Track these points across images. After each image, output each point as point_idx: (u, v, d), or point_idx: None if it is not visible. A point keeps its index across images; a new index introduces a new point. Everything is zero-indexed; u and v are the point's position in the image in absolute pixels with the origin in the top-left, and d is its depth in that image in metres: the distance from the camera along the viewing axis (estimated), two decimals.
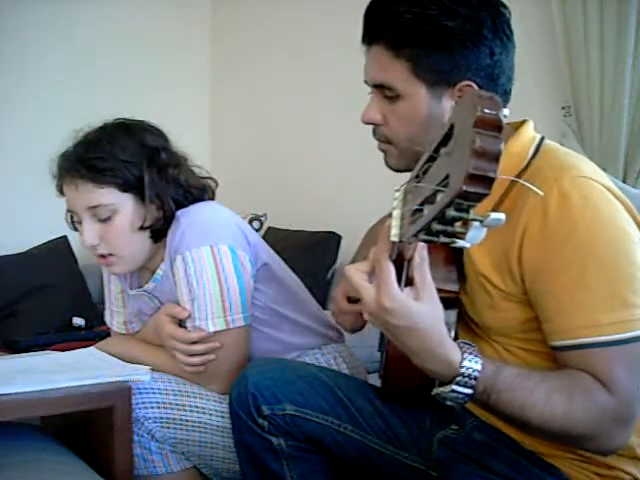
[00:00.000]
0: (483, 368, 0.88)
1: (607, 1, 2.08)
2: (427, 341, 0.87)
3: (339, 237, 2.88)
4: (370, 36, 1.08)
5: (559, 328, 0.95)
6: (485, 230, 0.69)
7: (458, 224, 0.70)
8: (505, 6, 1.06)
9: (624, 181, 2.10)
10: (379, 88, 1.09)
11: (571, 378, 0.92)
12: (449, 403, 0.91)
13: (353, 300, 1.24)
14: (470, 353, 0.89)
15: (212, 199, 1.47)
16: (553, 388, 0.91)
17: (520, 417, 0.92)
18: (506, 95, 1.08)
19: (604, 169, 1.02)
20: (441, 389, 0.90)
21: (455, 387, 0.88)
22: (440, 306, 0.88)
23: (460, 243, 0.71)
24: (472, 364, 0.88)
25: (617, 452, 0.96)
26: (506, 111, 0.66)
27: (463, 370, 0.88)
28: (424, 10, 1.01)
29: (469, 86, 1.03)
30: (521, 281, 0.98)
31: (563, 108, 2.27)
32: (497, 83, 1.05)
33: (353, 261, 1.30)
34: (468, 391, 0.89)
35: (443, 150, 0.72)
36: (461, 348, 0.89)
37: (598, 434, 0.92)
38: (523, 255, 0.97)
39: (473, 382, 0.88)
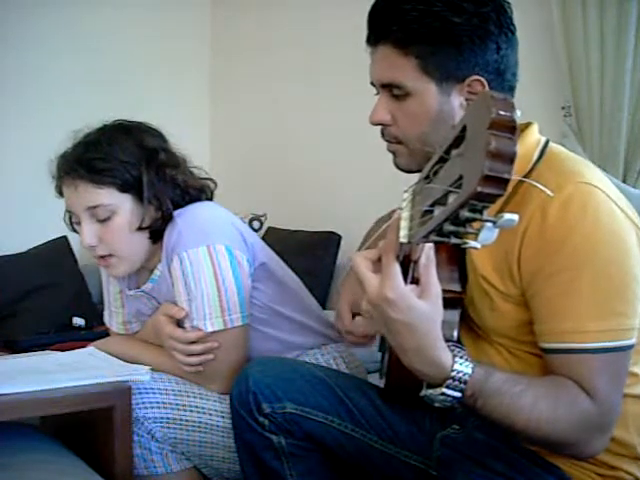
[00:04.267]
0: (473, 372, 0.89)
1: (607, 1, 2.08)
2: (421, 340, 0.86)
3: (339, 237, 2.88)
4: (376, 36, 1.08)
5: (548, 330, 0.95)
6: (497, 231, 0.69)
7: (469, 225, 0.70)
8: (508, 2, 1.07)
9: (624, 181, 2.10)
10: (387, 87, 1.08)
11: (557, 385, 0.93)
12: (437, 405, 0.91)
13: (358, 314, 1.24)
14: (461, 357, 0.89)
15: (210, 200, 1.47)
16: (539, 395, 0.91)
17: (505, 422, 0.92)
18: (511, 91, 1.08)
19: (604, 169, 1.02)
20: (430, 391, 0.90)
21: (445, 390, 0.88)
22: (441, 309, 0.87)
23: (471, 244, 0.71)
24: (463, 368, 0.88)
25: (593, 457, 0.97)
26: (518, 112, 0.66)
27: (454, 374, 0.88)
28: (430, 7, 1.02)
29: (477, 81, 1.04)
30: (520, 282, 0.98)
31: (563, 108, 2.26)
32: (504, 78, 1.06)
33: None
34: (457, 394, 0.89)
35: (455, 151, 0.72)
36: (452, 351, 0.89)
37: (578, 441, 0.93)
38: (522, 257, 0.97)
39: (463, 386, 0.88)
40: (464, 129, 0.70)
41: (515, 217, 0.67)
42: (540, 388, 0.92)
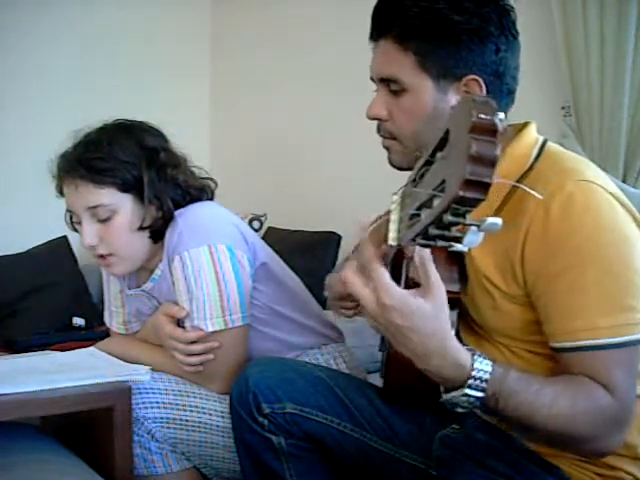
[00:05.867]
0: (493, 370, 0.87)
1: (607, 1, 2.08)
2: (429, 341, 0.85)
3: (339, 237, 2.88)
4: (378, 31, 1.09)
5: (558, 330, 0.95)
6: (482, 235, 0.69)
7: (455, 228, 0.70)
8: (512, 6, 1.07)
9: (624, 181, 2.10)
10: (385, 82, 1.09)
11: (574, 382, 0.93)
12: (459, 410, 0.89)
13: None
14: (479, 355, 0.87)
15: (211, 199, 1.47)
16: (557, 392, 0.91)
17: (526, 421, 0.91)
18: (510, 95, 1.08)
19: (604, 169, 1.02)
20: (453, 394, 0.88)
21: (467, 391, 0.86)
22: (445, 306, 0.85)
23: (458, 247, 0.71)
24: (483, 366, 0.86)
25: (611, 454, 0.96)
26: (501, 115, 0.66)
27: (475, 373, 0.86)
28: (432, 4, 1.02)
29: (475, 81, 1.03)
30: (523, 283, 0.98)
31: (563, 108, 2.26)
32: (502, 81, 1.05)
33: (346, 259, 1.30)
34: (479, 394, 0.86)
35: (439, 154, 0.72)
36: (469, 350, 0.88)
37: (598, 436, 0.92)
38: (525, 256, 0.97)
39: (484, 385, 0.86)
40: (447, 132, 0.70)
41: (498, 221, 0.67)
42: (557, 386, 0.92)
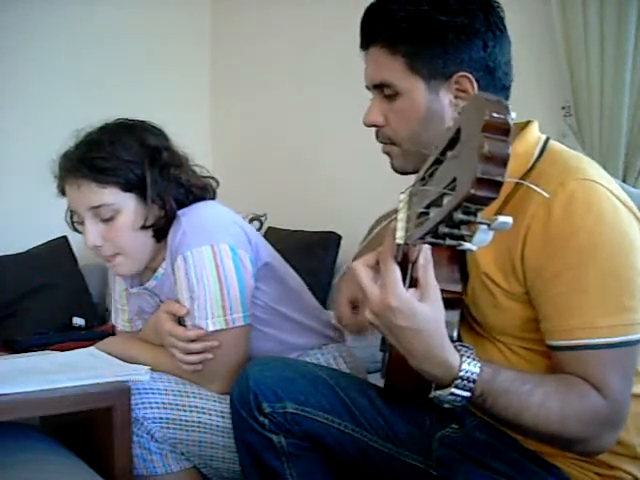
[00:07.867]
0: (481, 371, 0.89)
1: (607, 1, 2.08)
2: (428, 343, 0.88)
3: (339, 237, 2.88)
4: (367, 39, 1.10)
5: (556, 328, 0.95)
6: (492, 233, 0.69)
7: (465, 227, 0.70)
8: (498, 3, 1.08)
9: (624, 181, 2.10)
10: (378, 88, 1.10)
11: (566, 383, 0.93)
12: (447, 405, 0.92)
13: (358, 307, 1.25)
14: (468, 357, 0.90)
15: (213, 198, 1.47)
16: (548, 393, 0.92)
17: (514, 420, 0.93)
18: (504, 91, 1.08)
19: (604, 169, 1.02)
20: (439, 392, 0.91)
21: (454, 390, 0.89)
22: (442, 308, 0.88)
23: (466, 246, 0.71)
24: (471, 367, 0.89)
25: (603, 453, 0.97)
26: (513, 114, 0.66)
27: (462, 373, 0.89)
28: (417, 7, 1.03)
29: (465, 77, 1.04)
30: (524, 280, 0.98)
31: (563, 108, 2.27)
32: (493, 76, 1.06)
33: (354, 259, 1.30)
34: (466, 394, 0.89)
35: (450, 153, 0.72)
36: (459, 351, 0.90)
37: (589, 437, 0.93)
38: (526, 254, 0.97)
39: (471, 385, 0.89)
40: (459, 131, 0.70)
41: (509, 220, 0.67)
42: (548, 387, 0.93)
